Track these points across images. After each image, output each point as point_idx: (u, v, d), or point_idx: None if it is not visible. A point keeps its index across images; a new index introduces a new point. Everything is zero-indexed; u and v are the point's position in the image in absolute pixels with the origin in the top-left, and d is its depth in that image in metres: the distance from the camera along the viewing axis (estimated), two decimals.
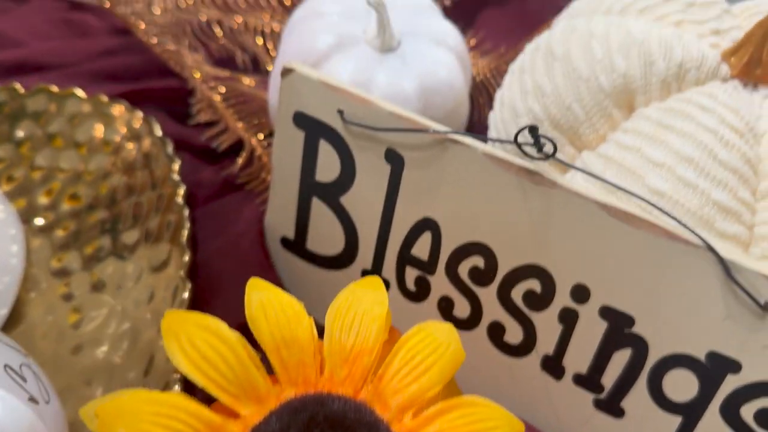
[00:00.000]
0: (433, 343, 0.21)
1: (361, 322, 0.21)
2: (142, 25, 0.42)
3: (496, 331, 0.26)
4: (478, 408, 0.20)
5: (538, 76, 0.27)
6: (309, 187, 0.28)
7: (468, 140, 0.24)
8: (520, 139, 0.22)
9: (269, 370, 0.20)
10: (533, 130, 0.22)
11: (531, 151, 0.23)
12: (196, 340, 0.20)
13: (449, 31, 0.31)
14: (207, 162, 0.36)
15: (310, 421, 0.18)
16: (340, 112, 0.26)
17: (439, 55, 0.30)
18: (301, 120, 0.27)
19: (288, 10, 0.43)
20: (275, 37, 0.41)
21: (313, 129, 0.27)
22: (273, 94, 0.32)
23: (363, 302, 0.21)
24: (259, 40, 0.41)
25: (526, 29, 0.40)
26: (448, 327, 0.22)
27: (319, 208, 0.28)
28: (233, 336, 0.20)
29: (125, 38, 0.43)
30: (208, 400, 0.19)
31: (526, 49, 0.29)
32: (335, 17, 0.31)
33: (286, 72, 0.27)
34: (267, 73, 0.40)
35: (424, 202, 0.26)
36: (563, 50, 0.27)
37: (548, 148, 0.22)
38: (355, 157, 0.26)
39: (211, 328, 0.20)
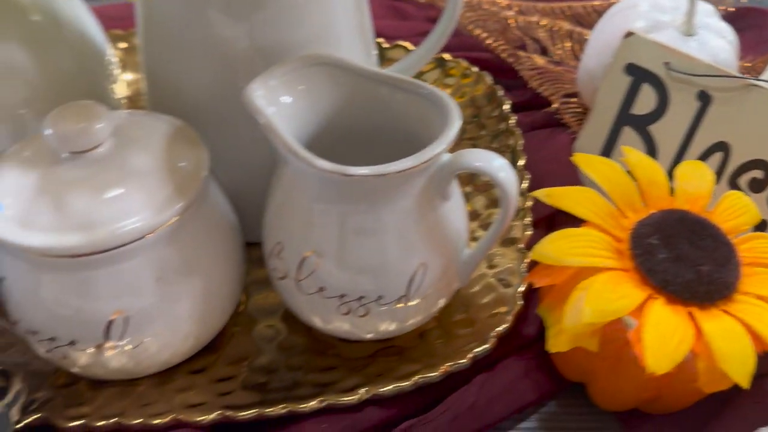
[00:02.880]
0: (742, 202, 0.32)
1: (698, 178, 0.32)
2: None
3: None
4: None
5: None
6: (623, 119, 0.40)
7: (766, 85, 0.35)
8: None
9: None
10: None
11: None
12: (602, 168, 0.32)
13: (728, 30, 0.43)
14: (517, 112, 0.48)
15: (680, 217, 0.30)
16: (666, 64, 0.38)
17: (722, 44, 0.42)
18: (631, 69, 0.39)
19: (568, 18, 0.56)
20: (554, 33, 0.54)
21: (639, 76, 0.39)
22: (589, 60, 0.44)
23: (700, 167, 0.33)
24: (545, 34, 0.54)
25: None
26: (749, 199, 0.33)
27: (627, 135, 0.40)
28: (623, 169, 0.32)
29: None
30: None
31: None
32: (646, 8, 0.43)
33: (628, 35, 0.39)
34: (551, 57, 0.53)
35: (722, 130, 0.37)
36: None
37: None
38: (671, 97, 0.38)
39: (608, 163, 0.32)
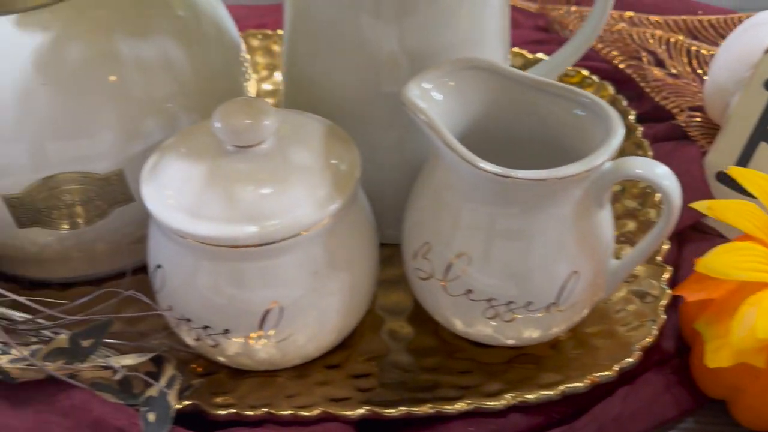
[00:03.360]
0: None
1: None
2: (567, 25, 0.55)
3: None
4: None
5: None
6: (760, 134, 0.39)
7: None
8: None
9: None
10: None
11: None
12: (760, 183, 0.31)
13: None
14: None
15: None
16: None
17: None
18: None
19: (682, 30, 0.55)
20: (671, 46, 0.53)
21: None
22: (718, 75, 0.44)
23: None
24: (662, 47, 0.53)
25: None
26: None
27: (763, 151, 0.39)
28: None
29: (547, 34, 0.57)
30: None
31: None
32: None
33: None
34: (668, 70, 0.52)
35: None
36: None
37: None
38: None
39: (767, 178, 0.31)
